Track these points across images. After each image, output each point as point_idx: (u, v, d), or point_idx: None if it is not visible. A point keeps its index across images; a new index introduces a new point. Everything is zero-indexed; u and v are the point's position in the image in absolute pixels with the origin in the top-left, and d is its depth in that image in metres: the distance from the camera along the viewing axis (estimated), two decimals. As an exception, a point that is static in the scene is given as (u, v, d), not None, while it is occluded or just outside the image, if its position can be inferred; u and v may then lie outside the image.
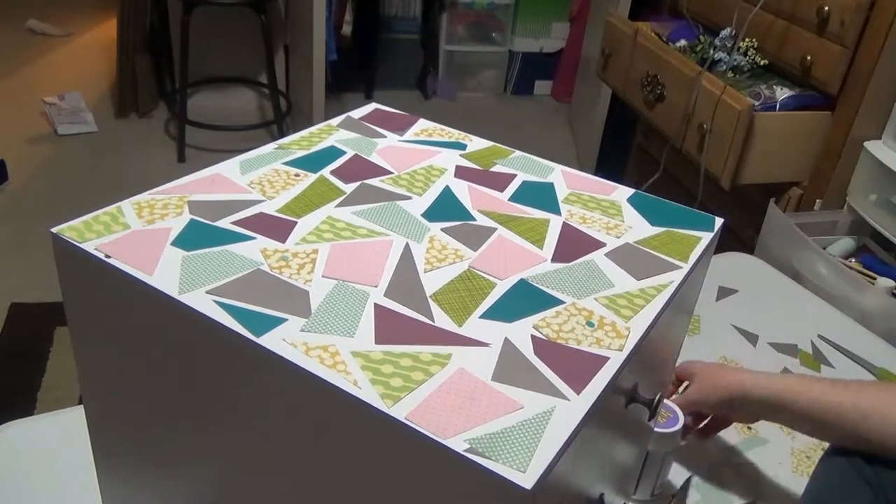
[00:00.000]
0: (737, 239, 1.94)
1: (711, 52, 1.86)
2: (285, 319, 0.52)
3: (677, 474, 0.96)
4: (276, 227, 0.62)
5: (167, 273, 0.55)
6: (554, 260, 0.62)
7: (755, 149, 1.71)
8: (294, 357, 0.48)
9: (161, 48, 3.16)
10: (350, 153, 0.76)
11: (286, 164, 0.72)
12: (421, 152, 0.78)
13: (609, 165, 2.92)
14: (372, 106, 0.87)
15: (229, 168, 0.71)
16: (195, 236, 0.60)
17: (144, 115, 3.14)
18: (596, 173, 0.79)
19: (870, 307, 1.40)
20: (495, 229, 0.65)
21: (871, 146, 1.66)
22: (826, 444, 0.87)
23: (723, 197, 1.88)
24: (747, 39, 1.83)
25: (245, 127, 2.96)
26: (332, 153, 0.75)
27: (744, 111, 1.65)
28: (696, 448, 0.99)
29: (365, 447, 0.47)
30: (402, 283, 0.57)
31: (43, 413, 0.95)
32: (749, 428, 1.05)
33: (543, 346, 0.52)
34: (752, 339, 1.24)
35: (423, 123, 0.85)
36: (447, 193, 0.70)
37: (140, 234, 0.59)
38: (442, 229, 0.64)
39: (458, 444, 0.43)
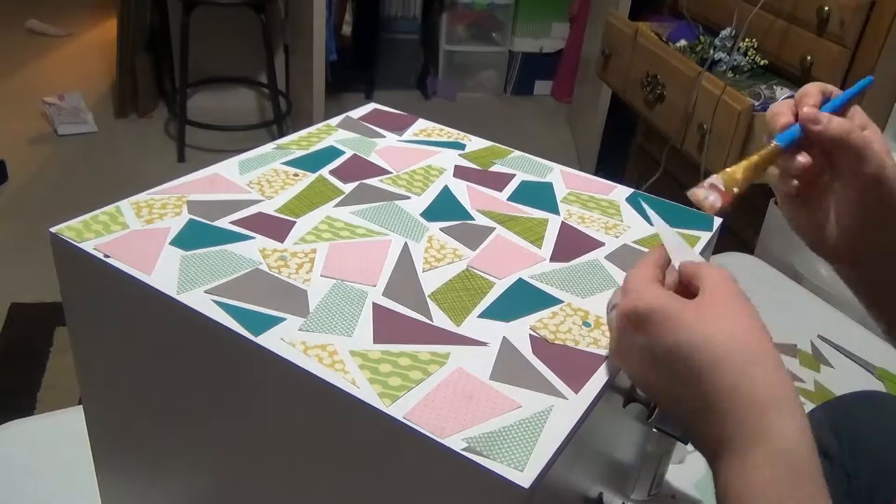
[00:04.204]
0: (737, 239, 1.94)
1: (711, 52, 1.86)
2: (284, 319, 0.52)
3: (677, 474, 0.96)
4: (275, 227, 0.62)
5: (166, 273, 0.55)
6: (552, 260, 0.62)
7: (755, 149, 1.71)
8: (292, 356, 0.48)
9: (161, 48, 3.16)
10: (349, 153, 0.76)
11: (285, 163, 0.72)
12: (420, 152, 0.78)
13: (609, 165, 2.92)
14: (371, 106, 0.87)
15: (228, 168, 0.71)
16: (194, 236, 0.60)
17: (144, 115, 3.14)
18: (596, 173, 0.79)
19: (869, 307, 1.40)
20: (494, 229, 0.65)
21: (871, 146, 1.66)
22: None
23: (722, 197, 1.87)
24: (747, 39, 1.83)
25: (245, 127, 2.96)
26: (332, 153, 0.75)
27: (744, 111, 1.65)
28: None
29: (363, 446, 0.47)
30: (400, 283, 0.57)
31: (43, 413, 0.95)
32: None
33: (542, 346, 0.52)
34: (751, 338, 1.24)
35: (422, 123, 0.85)
36: (446, 193, 0.70)
37: (139, 234, 0.59)
38: (441, 229, 0.64)
39: (456, 443, 0.43)
